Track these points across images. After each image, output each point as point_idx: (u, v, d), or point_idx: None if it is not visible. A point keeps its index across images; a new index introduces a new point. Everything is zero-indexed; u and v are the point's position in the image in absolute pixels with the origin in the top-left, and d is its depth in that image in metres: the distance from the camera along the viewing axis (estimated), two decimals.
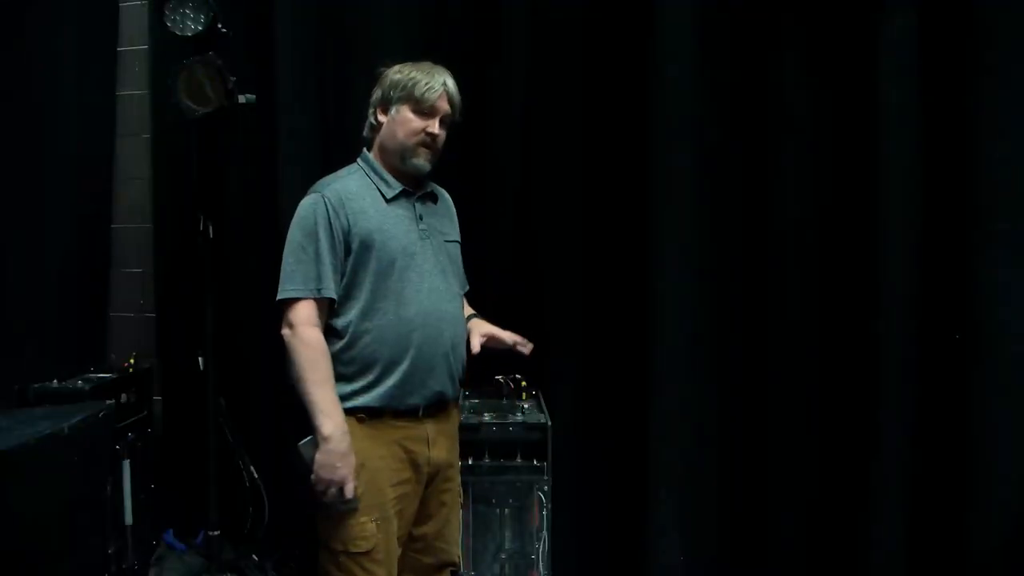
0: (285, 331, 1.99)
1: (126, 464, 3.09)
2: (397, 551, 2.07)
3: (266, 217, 2.98)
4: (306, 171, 2.81)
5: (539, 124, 2.80)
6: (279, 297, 2.00)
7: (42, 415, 1.99)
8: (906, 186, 2.28)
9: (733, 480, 2.62)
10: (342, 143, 2.85)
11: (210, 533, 3.06)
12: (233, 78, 2.61)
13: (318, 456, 1.94)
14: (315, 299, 1.99)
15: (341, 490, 1.94)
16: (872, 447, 2.33)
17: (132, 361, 3.32)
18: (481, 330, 2.20)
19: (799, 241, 2.51)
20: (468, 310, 2.27)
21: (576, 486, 2.81)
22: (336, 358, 2.01)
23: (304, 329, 1.97)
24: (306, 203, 2.04)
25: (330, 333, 2.03)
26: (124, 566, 3.10)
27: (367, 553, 1.99)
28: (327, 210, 2.00)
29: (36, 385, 2.89)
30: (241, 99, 2.63)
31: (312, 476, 1.94)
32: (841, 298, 2.46)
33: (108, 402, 2.22)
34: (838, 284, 2.46)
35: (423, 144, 2.07)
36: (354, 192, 2.05)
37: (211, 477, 3.04)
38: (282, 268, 2.02)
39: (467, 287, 2.29)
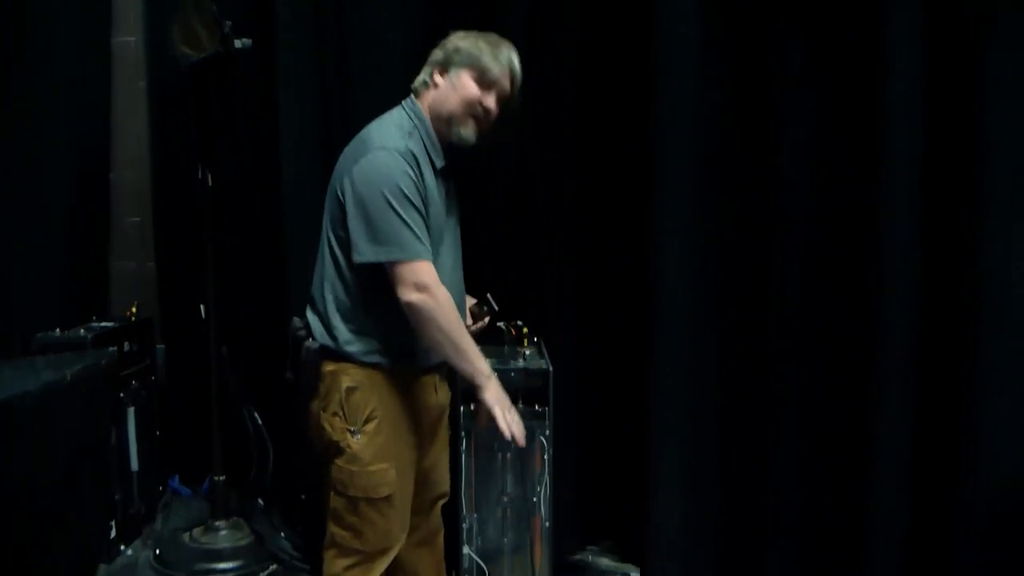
0: (415, 296, 1.90)
1: (131, 412, 3.12)
2: (411, 493, 2.12)
3: (265, 164, 2.95)
4: (304, 117, 2.78)
5: (540, 81, 2.75)
6: (396, 258, 1.91)
7: (44, 364, 1.99)
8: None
9: (734, 431, 2.62)
10: (340, 88, 2.81)
11: (215, 479, 3.10)
12: (228, 22, 2.57)
13: (493, 395, 1.99)
14: (429, 260, 1.94)
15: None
16: (872, 421, 2.32)
17: (134, 310, 3.33)
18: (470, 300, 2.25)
19: (802, 207, 2.47)
20: None
21: (577, 432, 2.83)
22: (368, 314, 2.00)
23: (439, 291, 1.93)
24: (390, 162, 1.93)
25: (375, 290, 1.97)
26: (131, 512, 3.15)
27: (387, 499, 2.03)
28: (414, 171, 1.94)
29: (39, 335, 2.90)
30: (237, 44, 2.59)
31: (500, 415, 1.98)
32: (842, 270, 2.42)
33: (110, 349, 2.22)
34: (840, 255, 2.43)
35: (473, 115, 2.02)
36: (420, 156, 1.98)
37: (214, 425, 3.07)
38: (383, 225, 1.91)
39: None
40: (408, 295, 1.91)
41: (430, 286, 1.92)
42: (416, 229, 1.92)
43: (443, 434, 2.28)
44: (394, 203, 1.90)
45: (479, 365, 1.99)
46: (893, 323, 2.26)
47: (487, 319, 2.27)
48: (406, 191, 1.91)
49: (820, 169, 2.40)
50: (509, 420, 1.98)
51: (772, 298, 2.51)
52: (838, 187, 2.38)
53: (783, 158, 2.44)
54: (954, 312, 2.21)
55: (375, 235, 1.92)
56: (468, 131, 2.03)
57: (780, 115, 2.43)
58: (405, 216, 1.91)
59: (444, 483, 2.31)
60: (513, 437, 1.98)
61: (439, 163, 2.04)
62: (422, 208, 1.95)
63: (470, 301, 2.25)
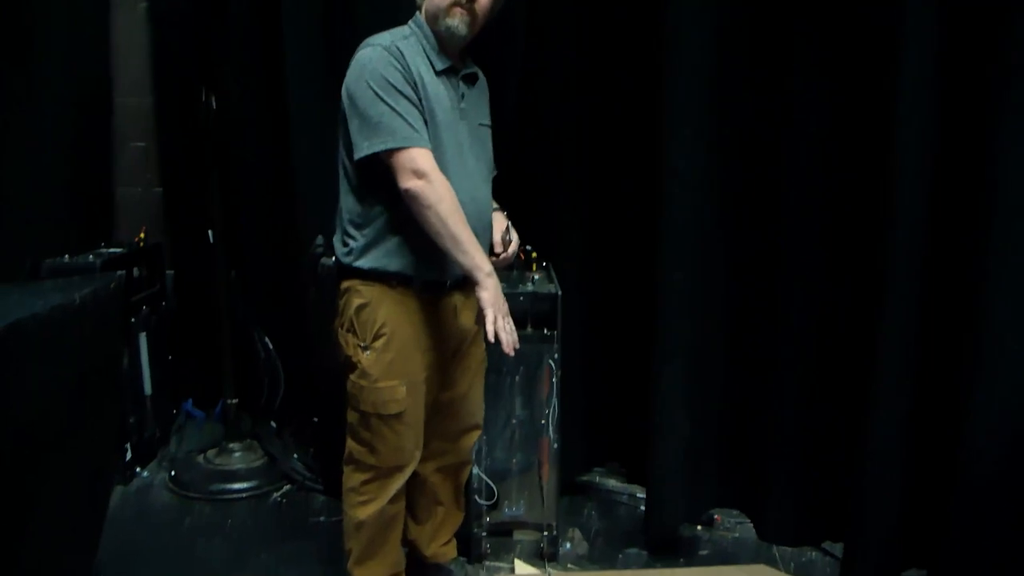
0: (413, 182, 1.89)
1: (142, 337, 3.14)
2: (424, 414, 2.13)
3: (270, 84, 2.90)
4: (308, 36, 2.72)
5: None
6: (389, 146, 1.90)
7: (52, 287, 1.99)
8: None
9: (740, 355, 2.62)
10: (346, 7, 2.75)
11: (228, 402, 3.14)
12: None
13: (489, 295, 1.94)
14: (427, 148, 1.93)
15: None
16: (874, 347, 2.30)
17: (142, 236, 3.32)
18: (500, 226, 2.21)
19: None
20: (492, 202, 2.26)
21: (586, 356, 2.84)
22: (376, 217, 2.00)
23: (438, 177, 1.91)
24: (374, 55, 1.94)
25: (377, 189, 1.98)
26: (146, 435, 3.20)
27: (397, 416, 2.05)
28: (400, 63, 1.94)
29: (48, 261, 2.91)
30: None
31: (491, 316, 1.93)
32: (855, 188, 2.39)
33: (118, 273, 2.22)
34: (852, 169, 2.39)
35: (456, 4, 1.99)
36: (411, 54, 1.98)
37: (225, 349, 3.09)
38: (374, 118, 1.91)
39: (495, 171, 2.27)
40: (406, 182, 1.90)
41: (428, 172, 1.90)
42: (408, 117, 1.92)
43: (474, 364, 2.26)
44: (381, 93, 1.91)
45: (478, 260, 1.95)
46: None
47: (513, 246, 2.23)
48: (391, 80, 1.92)
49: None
50: (499, 325, 1.93)
51: (782, 221, 2.48)
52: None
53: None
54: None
55: (367, 128, 1.93)
56: (454, 20, 2.00)
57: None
58: (394, 105, 1.91)
59: (476, 415, 2.32)
60: (498, 340, 1.93)
61: (439, 65, 2.02)
62: (414, 98, 1.94)
63: (500, 223, 2.22)
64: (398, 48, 1.96)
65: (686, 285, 2.52)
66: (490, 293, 1.94)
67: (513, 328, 1.97)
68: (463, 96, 2.09)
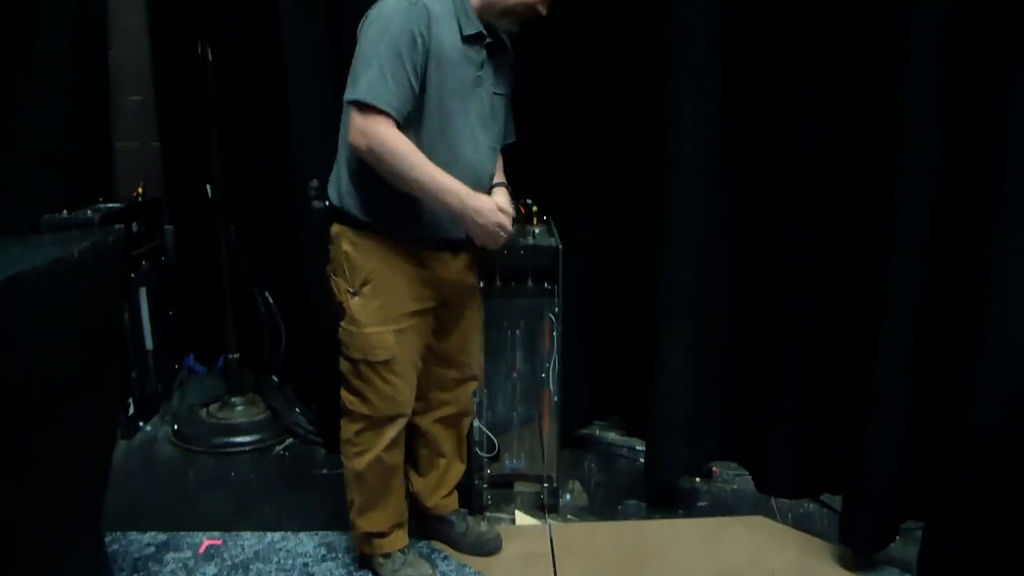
0: (358, 141, 1.88)
1: (143, 292, 3.14)
2: (416, 363, 2.14)
3: (265, 36, 2.86)
4: None
5: None
6: (356, 97, 1.87)
7: (51, 241, 1.97)
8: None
9: (742, 309, 2.62)
10: None
11: (229, 357, 3.15)
12: None
13: (473, 233, 2.01)
14: (395, 118, 1.89)
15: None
16: (880, 301, 2.29)
17: (140, 191, 3.30)
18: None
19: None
20: (500, 175, 2.22)
21: (586, 309, 2.84)
22: (375, 181, 1.96)
23: (386, 139, 1.87)
24: (398, 9, 1.90)
25: None
26: (148, 389, 3.22)
27: (385, 362, 2.06)
28: (420, 24, 1.89)
29: (46, 216, 2.90)
30: None
31: (482, 247, 2.07)
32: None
33: (116, 227, 2.21)
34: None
35: (525, 17, 2.01)
36: (439, 15, 1.93)
37: (226, 304, 3.10)
38: (362, 67, 1.88)
39: (512, 138, 2.26)
40: (353, 139, 1.90)
41: (370, 134, 1.87)
42: (393, 82, 1.87)
43: (469, 314, 2.26)
44: (383, 48, 1.87)
45: (446, 201, 1.94)
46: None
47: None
48: (400, 43, 1.88)
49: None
50: (494, 243, 2.04)
51: (791, 173, 2.46)
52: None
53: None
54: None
55: (354, 75, 1.91)
56: (514, 25, 2.04)
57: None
58: (386, 64, 1.87)
59: (473, 366, 2.32)
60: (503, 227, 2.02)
61: (468, 29, 1.97)
62: (416, 65, 1.90)
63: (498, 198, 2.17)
64: (425, 5, 1.90)
65: (690, 239, 2.51)
66: (471, 230, 2.00)
67: (503, 234, 2.03)
68: (482, 64, 2.04)
